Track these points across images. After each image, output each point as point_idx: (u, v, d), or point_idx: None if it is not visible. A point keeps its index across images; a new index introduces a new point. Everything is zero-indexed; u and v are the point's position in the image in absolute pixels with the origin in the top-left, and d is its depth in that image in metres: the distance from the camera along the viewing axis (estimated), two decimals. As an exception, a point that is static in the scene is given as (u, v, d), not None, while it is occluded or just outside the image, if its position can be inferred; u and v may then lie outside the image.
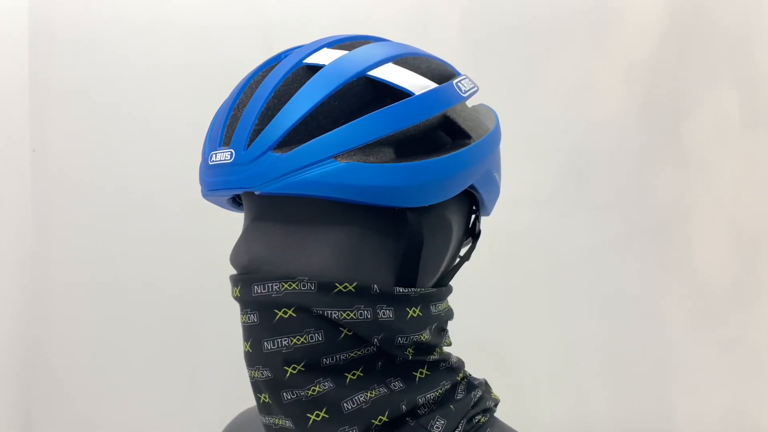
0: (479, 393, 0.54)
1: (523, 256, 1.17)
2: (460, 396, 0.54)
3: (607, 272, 1.16)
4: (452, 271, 0.55)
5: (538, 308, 1.17)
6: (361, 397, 0.49)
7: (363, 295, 0.48)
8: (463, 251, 0.59)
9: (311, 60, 0.51)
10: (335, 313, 0.48)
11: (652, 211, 1.15)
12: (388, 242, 0.49)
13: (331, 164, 0.46)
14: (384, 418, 0.49)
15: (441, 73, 0.52)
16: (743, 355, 1.15)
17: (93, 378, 1.21)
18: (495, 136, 0.53)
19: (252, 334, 0.49)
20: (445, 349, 0.57)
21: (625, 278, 1.16)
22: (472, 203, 0.55)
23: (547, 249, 1.16)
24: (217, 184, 0.49)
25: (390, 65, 0.50)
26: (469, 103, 0.58)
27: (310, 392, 0.48)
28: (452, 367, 0.54)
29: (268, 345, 0.49)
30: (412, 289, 0.50)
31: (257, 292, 0.49)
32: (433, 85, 0.49)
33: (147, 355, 1.20)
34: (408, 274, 0.50)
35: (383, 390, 0.50)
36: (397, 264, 0.49)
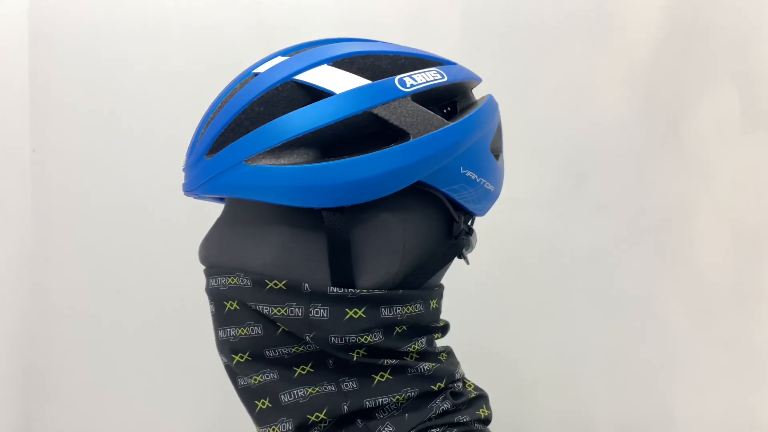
0: (445, 405, 0.52)
1: (523, 256, 1.17)
2: (428, 406, 0.52)
3: (607, 272, 1.16)
4: (422, 273, 0.53)
5: (537, 308, 1.17)
6: (300, 391, 0.51)
7: (294, 292, 0.50)
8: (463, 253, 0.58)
9: (260, 69, 0.52)
10: (267, 309, 0.50)
11: (652, 211, 1.15)
12: (317, 242, 0.50)
13: (242, 167, 0.48)
14: (321, 416, 0.50)
15: (387, 69, 0.51)
16: (743, 354, 1.15)
17: (93, 378, 1.21)
18: (456, 131, 0.50)
19: (213, 322, 0.55)
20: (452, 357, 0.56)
21: (625, 278, 1.16)
22: (448, 203, 0.53)
23: (547, 249, 1.16)
24: (182, 187, 0.55)
25: (324, 67, 0.50)
26: (477, 94, 0.58)
27: (253, 381, 0.52)
28: (423, 375, 0.52)
29: (221, 333, 0.54)
30: (350, 289, 0.49)
31: (211, 285, 0.54)
32: (363, 83, 0.49)
33: (148, 356, 1.20)
34: (342, 274, 0.50)
35: (331, 388, 0.51)
36: (328, 264, 0.50)
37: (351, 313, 0.50)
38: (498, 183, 0.56)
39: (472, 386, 0.57)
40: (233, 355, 0.53)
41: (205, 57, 1.17)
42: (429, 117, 0.49)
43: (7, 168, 1.18)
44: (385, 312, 0.51)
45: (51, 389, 1.22)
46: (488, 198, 0.56)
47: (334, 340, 0.50)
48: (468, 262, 0.59)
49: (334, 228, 0.48)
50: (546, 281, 1.17)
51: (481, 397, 0.56)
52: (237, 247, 0.53)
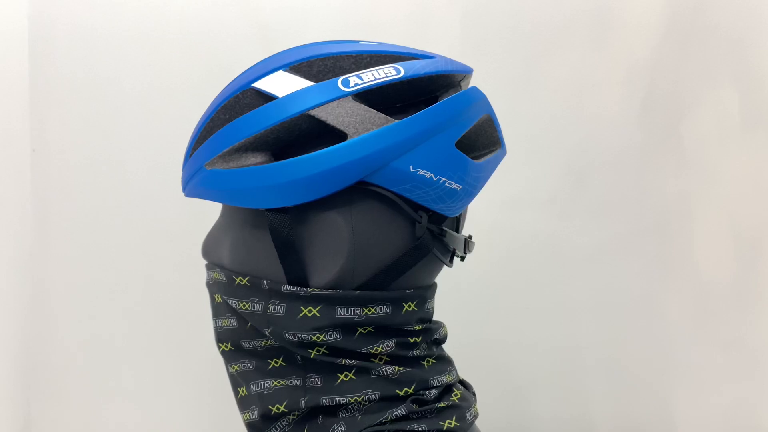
0: (401, 411, 0.51)
1: (522, 255, 1.17)
2: (386, 409, 0.51)
3: (607, 272, 1.16)
4: (387, 275, 0.52)
5: (537, 308, 1.17)
6: (267, 383, 0.53)
7: (256, 288, 0.52)
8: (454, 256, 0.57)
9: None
10: (234, 303, 0.54)
11: (652, 211, 1.15)
12: (269, 241, 0.51)
13: (202, 171, 0.52)
14: (282, 408, 0.52)
15: (349, 69, 0.50)
16: (743, 355, 1.15)
17: (93, 378, 1.21)
18: (400, 129, 0.49)
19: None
20: (433, 364, 0.55)
21: (625, 278, 1.16)
22: (403, 202, 0.51)
23: (547, 249, 1.16)
24: None
25: (279, 73, 0.51)
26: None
27: (233, 369, 0.56)
28: (387, 379, 0.52)
29: (214, 324, 0.58)
30: (303, 288, 0.51)
31: (206, 279, 0.58)
32: (305, 85, 0.50)
33: (148, 355, 1.20)
34: (295, 272, 0.51)
35: (296, 383, 0.53)
36: (281, 263, 0.51)
37: (305, 311, 0.51)
38: (469, 181, 0.53)
39: (458, 396, 0.55)
40: (220, 344, 0.57)
41: (205, 57, 1.17)
42: (370, 116, 0.49)
43: (7, 168, 1.18)
44: (341, 312, 0.51)
45: (51, 389, 1.22)
46: (455, 197, 0.52)
47: (288, 336, 0.51)
48: (448, 265, 0.57)
49: (277, 228, 0.50)
50: (546, 281, 1.16)
51: (455, 408, 0.54)
52: (219, 244, 0.57)
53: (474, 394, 0.60)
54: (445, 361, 0.57)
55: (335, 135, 0.48)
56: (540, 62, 1.15)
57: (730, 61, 1.13)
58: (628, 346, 1.16)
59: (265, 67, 0.52)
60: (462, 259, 0.59)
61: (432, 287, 0.58)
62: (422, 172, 0.49)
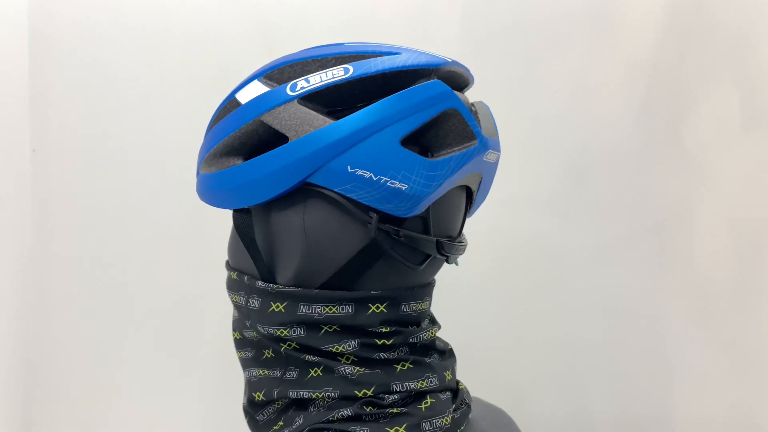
0: (347, 412, 0.51)
1: (522, 256, 1.17)
2: (336, 409, 0.51)
3: (607, 272, 1.16)
4: (346, 275, 0.52)
5: (537, 308, 1.17)
6: (255, 371, 0.56)
7: (241, 283, 0.56)
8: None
9: None
10: (230, 295, 0.58)
11: (652, 211, 1.15)
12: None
13: (197, 176, 0.57)
14: (261, 396, 0.55)
15: (305, 74, 0.51)
16: (743, 355, 1.14)
17: (93, 378, 1.21)
18: (334, 130, 0.48)
19: None
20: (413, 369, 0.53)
21: (625, 278, 1.16)
22: (349, 203, 0.50)
23: (547, 249, 1.16)
24: None
25: (254, 82, 0.53)
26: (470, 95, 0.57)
27: (239, 355, 0.59)
28: (346, 378, 0.52)
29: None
30: (269, 284, 0.53)
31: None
32: (263, 92, 0.52)
33: (148, 355, 1.20)
34: (263, 270, 0.54)
35: (277, 374, 0.55)
36: (251, 260, 0.54)
37: (273, 306, 0.53)
38: (419, 180, 0.49)
39: (428, 404, 0.52)
40: (233, 332, 0.59)
41: (206, 57, 1.17)
42: (309, 118, 0.49)
43: (7, 168, 1.18)
44: (303, 309, 0.52)
45: (51, 389, 1.22)
46: (401, 197, 0.49)
47: (260, 329, 0.54)
48: (409, 266, 0.53)
49: (240, 228, 0.54)
50: (546, 281, 1.16)
51: (409, 416, 0.51)
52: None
53: (468, 404, 0.58)
54: (423, 368, 0.54)
55: (284, 139, 0.50)
56: (540, 62, 1.15)
57: (730, 61, 1.13)
58: (628, 345, 1.16)
59: (248, 77, 0.54)
60: (448, 261, 0.56)
61: (414, 290, 0.55)
62: (361, 172, 0.48)
